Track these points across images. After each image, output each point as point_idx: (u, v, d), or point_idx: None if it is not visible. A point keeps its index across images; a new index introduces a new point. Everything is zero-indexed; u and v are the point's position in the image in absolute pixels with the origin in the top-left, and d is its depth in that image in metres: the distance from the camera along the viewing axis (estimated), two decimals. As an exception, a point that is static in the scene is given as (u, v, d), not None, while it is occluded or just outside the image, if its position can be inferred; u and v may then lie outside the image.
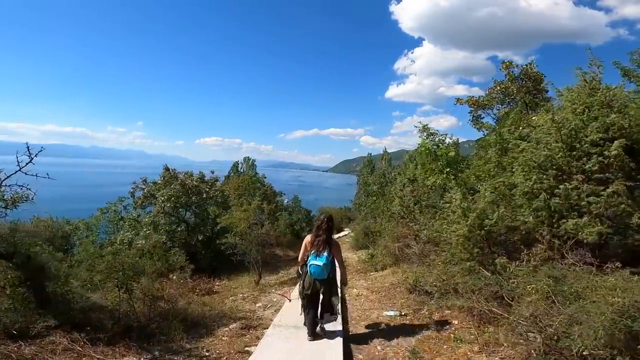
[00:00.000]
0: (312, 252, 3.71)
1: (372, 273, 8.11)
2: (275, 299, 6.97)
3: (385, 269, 8.02)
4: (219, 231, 9.42)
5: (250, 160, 65.32)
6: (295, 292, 6.26)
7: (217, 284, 8.71)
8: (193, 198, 10.41)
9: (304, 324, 3.90)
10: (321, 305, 3.91)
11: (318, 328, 3.88)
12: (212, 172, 13.23)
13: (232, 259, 8.15)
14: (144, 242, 9.69)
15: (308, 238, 3.91)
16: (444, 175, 5.52)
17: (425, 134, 6.15)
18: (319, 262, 3.61)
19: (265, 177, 23.85)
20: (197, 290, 7.50)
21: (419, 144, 6.21)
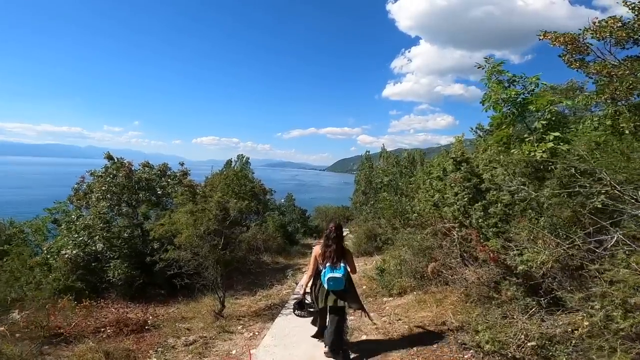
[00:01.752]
0: (326, 264, 3.43)
1: (385, 299, 5.60)
2: (239, 342, 4.50)
3: (405, 293, 5.52)
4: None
5: (244, 158, 63.39)
6: (264, 347, 3.80)
7: (162, 312, 6.17)
8: (141, 195, 7.81)
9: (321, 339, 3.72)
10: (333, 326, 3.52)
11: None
12: (182, 164, 10.63)
13: (174, 281, 5.58)
14: (72, 251, 7.15)
15: (317, 249, 3.62)
16: (549, 144, 3.01)
17: (494, 77, 3.58)
18: (337, 274, 3.40)
19: (254, 173, 21.33)
20: (122, 325, 4.94)
21: (486, 94, 3.62)
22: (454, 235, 3.91)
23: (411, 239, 5.31)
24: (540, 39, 3.96)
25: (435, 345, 3.58)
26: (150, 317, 5.48)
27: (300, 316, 3.70)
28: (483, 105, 3.61)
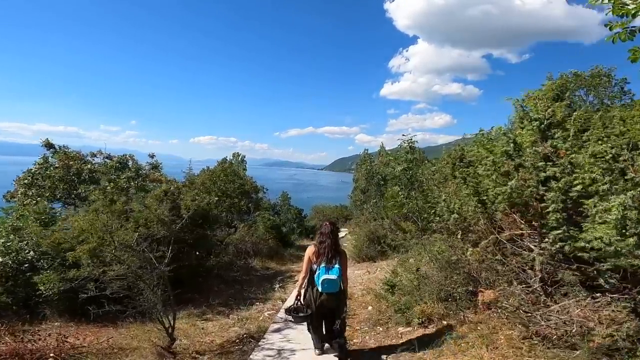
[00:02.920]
0: (321, 264, 3.20)
1: (402, 330, 4.00)
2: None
3: (430, 321, 3.93)
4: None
5: (240, 156, 61.89)
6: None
7: (101, 337, 4.54)
8: (81, 189, 6.14)
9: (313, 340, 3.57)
10: (328, 328, 3.44)
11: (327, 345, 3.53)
12: (152, 156, 8.99)
13: (88, 309, 3.96)
14: (-3, 260, 5.54)
15: (311, 248, 3.39)
16: None
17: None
18: (333, 276, 3.14)
19: (245, 169, 19.80)
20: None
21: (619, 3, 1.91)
22: (531, 249, 2.33)
23: (442, 249, 3.72)
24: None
25: None
26: (63, 349, 3.78)
27: (295, 322, 3.58)
28: (611, 30, 1.96)
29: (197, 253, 8.97)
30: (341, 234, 23.37)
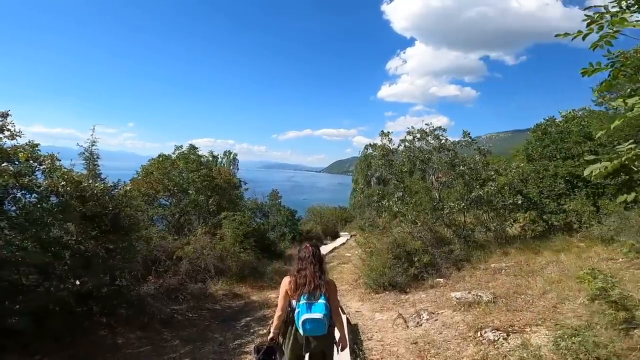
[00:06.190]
0: (301, 298, 2.34)
1: None
2: None
3: None
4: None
5: (232, 154, 57.34)
6: None
7: None
8: None
9: None
10: None
11: None
12: (3, 116, 4.81)
13: None
14: None
15: (287, 279, 2.49)
16: None
17: None
18: (317, 314, 2.29)
19: (216, 157, 15.65)
20: None
21: None
22: None
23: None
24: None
25: None
26: None
27: None
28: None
29: (79, 282, 4.85)
30: (342, 240, 19.30)
